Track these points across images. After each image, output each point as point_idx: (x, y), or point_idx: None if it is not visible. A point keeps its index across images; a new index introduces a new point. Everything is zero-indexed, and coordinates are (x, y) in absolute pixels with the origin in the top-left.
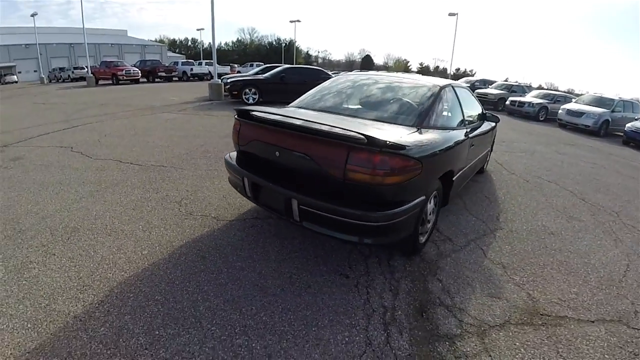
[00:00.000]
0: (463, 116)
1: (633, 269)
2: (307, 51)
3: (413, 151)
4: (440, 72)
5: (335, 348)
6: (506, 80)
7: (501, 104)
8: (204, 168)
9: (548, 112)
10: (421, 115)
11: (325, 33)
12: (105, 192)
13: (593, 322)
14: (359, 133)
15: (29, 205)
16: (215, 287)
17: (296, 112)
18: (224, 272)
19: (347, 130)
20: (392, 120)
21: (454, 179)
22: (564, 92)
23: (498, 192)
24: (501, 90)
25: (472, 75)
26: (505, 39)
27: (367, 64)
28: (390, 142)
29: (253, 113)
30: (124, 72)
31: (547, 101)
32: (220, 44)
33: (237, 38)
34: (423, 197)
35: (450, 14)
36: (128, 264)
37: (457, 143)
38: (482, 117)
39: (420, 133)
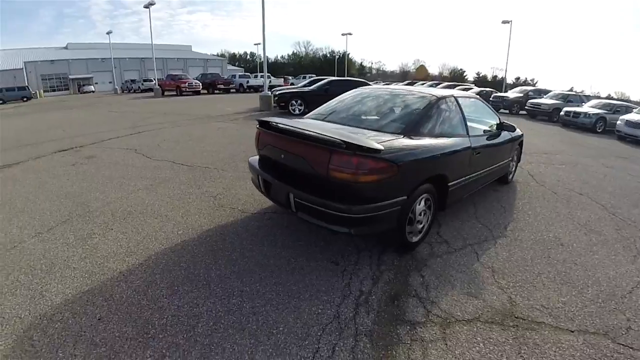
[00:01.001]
0: (465, 126)
1: None
2: (361, 62)
3: (388, 154)
4: (497, 82)
5: (307, 316)
6: (571, 90)
7: (556, 114)
8: (242, 170)
9: (607, 124)
10: (410, 123)
11: (380, 44)
12: (157, 186)
13: (572, 331)
14: (339, 139)
15: (97, 193)
16: (227, 261)
17: (304, 122)
18: (237, 251)
19: (331, 136)
20: (383, 128)
21: (449, 184)
22: (631, 102)
23: (517, 202)
24: (556, 100)
25: (534, 85)
26: (573, 47)
27: (421, 74)
28: (365, 146)
29: (269, 123)
30: (186, 84)
31: (605, 111)
32: (277, 57)
33: (293, 51)
34: (404, 197)
35: (504, 22)
36: (165, 240)
37: (454, 151)
38: (499, 127)
39: (404, 139)
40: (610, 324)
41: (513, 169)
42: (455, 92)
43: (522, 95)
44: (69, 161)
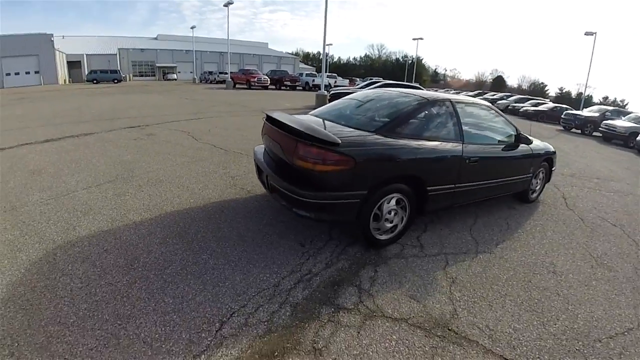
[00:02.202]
0: (459, 132)
1: (636, 337)
2: (435, 69)
3: (346, 148)
4: (578, 100)
5: (252, 279)
6: None
7: (632, 139)
8: None
9: None
10: (388, 123)
11: (456, 51)
12: (192, 163)
13: (506, 359)
14: (304, 131)
15: (143, 163)
16: (215, 228)
17: (298, 117)
18: (227, 221)
19: (299, 128)
20: (362, 126)
21: (428, 189)
22: None
23: (528, 222)
24: (635, 123)
25: (623, 107)
26: None
27: (498, 85)
28: (323, 138)
29: (269, 115)
30: (256, 79)
31: None
32: (349, 58)
33: (366, 53)
34: (363, 192)
35: (587, 33)
36: (178, 204)
37: (437, 156)
38: (516, 140)
39: (373, 136)
40: None
41: (537, 187)
42: (456, 97)
43: (598, 114)
44: (133, 136)
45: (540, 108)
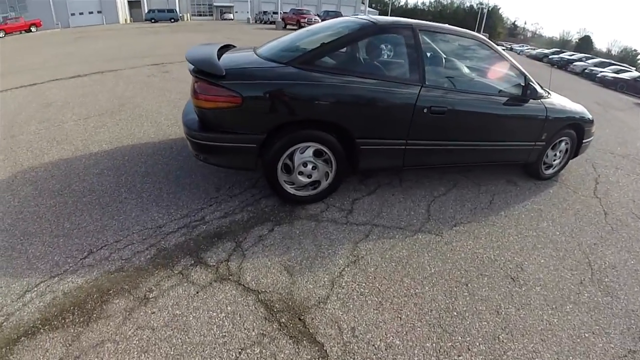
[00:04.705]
0: (419, 71)
1: None
2: (514, 22)
3: (230, 82)
4: None
5: (145, 217)
6: None
7: None
8: None
9: None
10: (306, 53)
11: (541, 3)
12: (183, 100)
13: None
14: (191, 62)
15: (140, 98)
16: (152, 164)
17: (204, 49)
18: (167, 159)
19: (189, 59)
20: (278, 57)
21: (358, 141)
22: None
23: (522, 205)
24: None
25: None
26: None
27: (584, 46)
28: (206, 70)
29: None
30: (306, 19)
31: None
32: (417, 3)
33: None
34: (260, 136)
35: None
36: (139, 139)
37: (372, 98)
38: (523, 92)
39: (277, 69)
40: None
41: (556, 161)
42: (427, 24)
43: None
44: (148, 73)
45: (621, 76)
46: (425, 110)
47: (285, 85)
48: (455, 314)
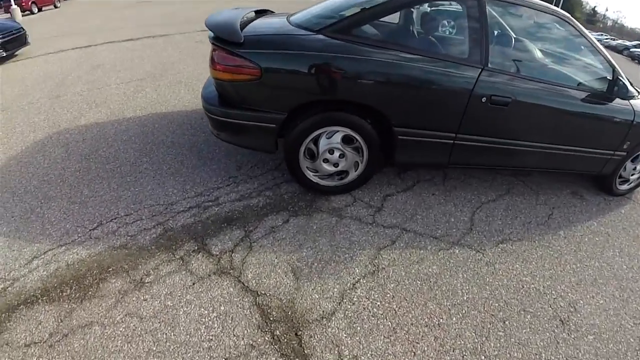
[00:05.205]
0: (482, 49)
1: None
2: (594, 8)
3: (248, 50)
4: None
5: (159, 191)
6: None
7: None
8: None
9: None
10: (342, 20)
11: None
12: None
13: None
14: (209, 27)
15: (183, 65)
16: (180, 134)
17: (228, 13)
18: (196, 129)
19: (207, 25)
20: (311, 25)
21: (396, 129)
22: None
23: (585, 226)
24: None
25: None
26: None
27: None
28: (223, 36)
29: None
30: None
31: None
32: None
33: None
34: (281, 115)
35: None
36: (174, 106)
37: (419, 80)
38: (609, 88)
39: (306, 37)
40: None
41: (635, 176)
42: None
43: None
44: (197, 39)
45: None
46: (484, 100)
47: (311, 57)
48: (483, 358)
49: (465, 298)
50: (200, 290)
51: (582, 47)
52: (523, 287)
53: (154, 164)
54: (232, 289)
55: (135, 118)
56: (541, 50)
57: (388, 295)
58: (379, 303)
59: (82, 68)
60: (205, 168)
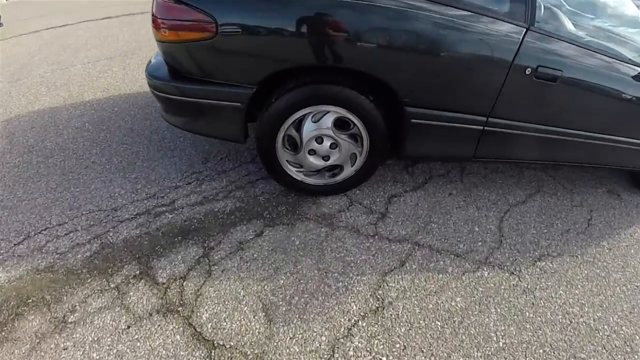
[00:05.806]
0: (526, 3)
1: None
2: None
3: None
4: None
5: (104, 192)
6: None
7: None
8: None
9: None
10: None
11: None
12: None
13: None
14: None
15: (150, 37)
16: (142, 119)
17: None
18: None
19: None
20: None
21: (408, 109)
22: None
23: (631, 233)
24: None
25: None
26: None
27: None
28: None
29: None
30: None
31: None
32: None
33: None
34: (248, 89)
35: None
36: (140, 87)
37: (441, 41)
38: None
39: None
40: None
41: None
42: None
43: None
44: None
45: None
46: (528, 71)
47: (285, 5)
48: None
49: (501, 345)
50: (136, 336)
51: None
52: (571, 322)
53: (104, 156)
54: (179, 337)
55: (94, 101)
56: (607, 13)
57: (397, 346)
58: (384, 359)
59: (50, 48)
60: (164, 161)
